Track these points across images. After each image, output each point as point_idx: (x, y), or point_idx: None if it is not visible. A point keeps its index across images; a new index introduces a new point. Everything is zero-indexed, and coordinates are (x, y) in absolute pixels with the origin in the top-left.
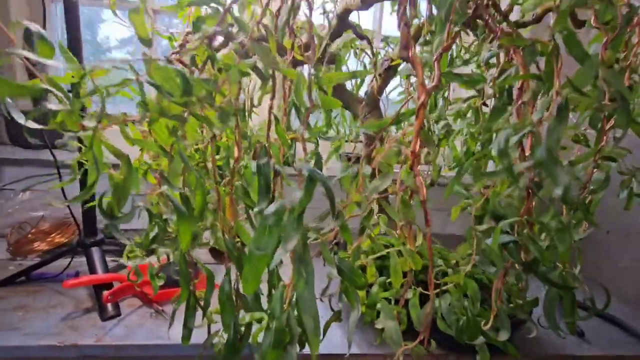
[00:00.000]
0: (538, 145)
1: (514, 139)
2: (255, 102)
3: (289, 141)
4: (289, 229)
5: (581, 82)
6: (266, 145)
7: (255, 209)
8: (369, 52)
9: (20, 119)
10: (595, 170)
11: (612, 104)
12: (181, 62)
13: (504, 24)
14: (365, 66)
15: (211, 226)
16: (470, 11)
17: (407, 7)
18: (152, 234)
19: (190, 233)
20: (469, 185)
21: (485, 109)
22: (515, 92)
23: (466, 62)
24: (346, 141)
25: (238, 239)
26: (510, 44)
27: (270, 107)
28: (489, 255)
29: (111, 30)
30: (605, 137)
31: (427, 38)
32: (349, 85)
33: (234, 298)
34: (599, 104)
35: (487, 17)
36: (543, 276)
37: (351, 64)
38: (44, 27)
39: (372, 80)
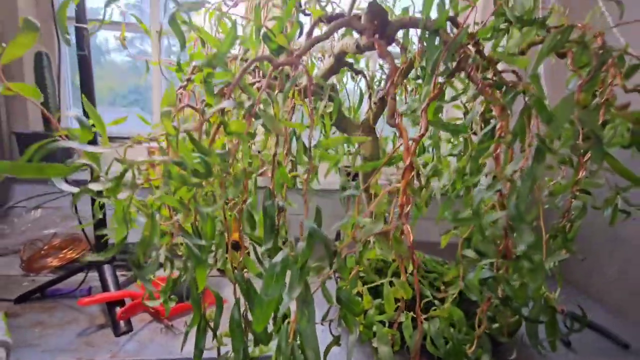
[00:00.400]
0: (513, 193)
1: (489, 194)
2: (259, 147)
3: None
4: (293, 279)
5: (552, 135)
6: (270, 188)
7: (262, 248)
8: (365, 72)
9: (74, 190)
10: (573, 200)
11: (586, 142)
12: (193, 108)
13: (488, 63)
14: (361, 90)
15: (221, 257)
16: (454, 63)
17: (394, 81)
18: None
19: (205, 276)
20: (457, 213)
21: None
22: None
23: (455, 98)
24: (344, 154)
25: (245, 270)
26: (489, 101)
27: (275, 154)
28: (471, 288)
29: (110, 33)
30: (582, 171)
31: (418, 73)
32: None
33: (243, 325)
34: (574, 143)
35: (469, 70)
36: (517, 311)
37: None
38: (58, 66)
39: (368, 110)
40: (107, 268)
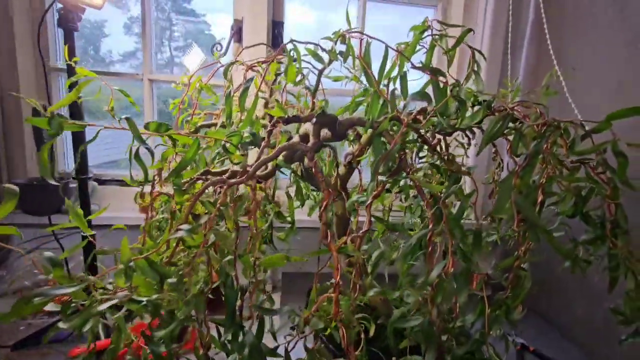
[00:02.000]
0: (438, 295)
1: (415, 298)
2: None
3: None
4: None
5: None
6: (233, 275)
7: (222, 338)
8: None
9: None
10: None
11: (523, 224)
12: (167, 195)
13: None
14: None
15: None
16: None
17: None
18: None
19: None
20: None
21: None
22: None
23: (406, 177)
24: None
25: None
26: (426, 204)
27: (235, 255)
28: None
29: (113, 45)
30: (521, 250)
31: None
32: None
33: None
34: (511, 228)
35: (408, 170)
36: None
37: None
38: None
39: (336, 173)
40: None
